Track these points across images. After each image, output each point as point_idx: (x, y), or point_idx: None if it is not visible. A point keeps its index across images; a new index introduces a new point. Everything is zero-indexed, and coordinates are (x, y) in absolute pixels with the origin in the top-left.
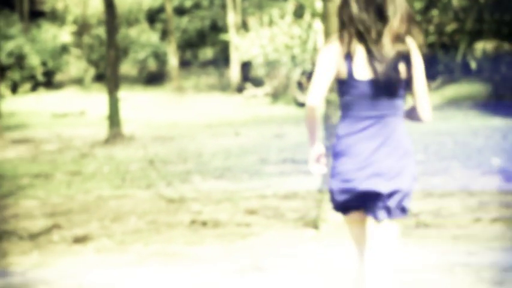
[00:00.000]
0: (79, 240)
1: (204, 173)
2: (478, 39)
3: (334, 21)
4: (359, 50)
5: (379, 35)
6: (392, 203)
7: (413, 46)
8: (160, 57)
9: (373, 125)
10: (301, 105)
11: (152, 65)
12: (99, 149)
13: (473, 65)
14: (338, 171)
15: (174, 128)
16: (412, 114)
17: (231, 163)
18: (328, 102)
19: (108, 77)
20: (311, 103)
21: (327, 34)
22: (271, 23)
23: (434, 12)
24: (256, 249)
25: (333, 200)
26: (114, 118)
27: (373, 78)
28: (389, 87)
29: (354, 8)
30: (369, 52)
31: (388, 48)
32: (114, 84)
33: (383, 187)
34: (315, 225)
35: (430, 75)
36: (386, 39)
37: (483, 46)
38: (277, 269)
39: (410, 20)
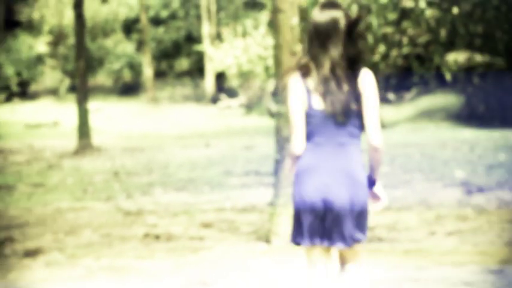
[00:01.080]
0: (30, 253)
1: (166, 185)
2: (451, 51)
3: (287, 34)
4: (315, 82)
5: (331, 69)
6: (346, 230)
7: (367, 75)
8: (135, 68)
9: (330, 152)
10: (274, 115)
11: (127, 75)
12: (67, 160)
13: (448, 76)
14: (300, 194)
15: (146, 139)
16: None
17: (195, 175)
18: (279, 115)
19: (77, 87)
20: (296, 152)
21: (279, 47)
22: (245, 33)
23: (407, 24)
24: (206, 263)
25: (296, 225)
26: (83, 129)
27: (327, 109)
28: (340, 117)
29: (309, 43)
30: (322, 85)
31: (339, 82)
32: (84, 95)
33: (332, 214)
34: (267, 239)
35: (405, 86)
36: (337, 73)
37: (455, 57)
38: (224, 284)
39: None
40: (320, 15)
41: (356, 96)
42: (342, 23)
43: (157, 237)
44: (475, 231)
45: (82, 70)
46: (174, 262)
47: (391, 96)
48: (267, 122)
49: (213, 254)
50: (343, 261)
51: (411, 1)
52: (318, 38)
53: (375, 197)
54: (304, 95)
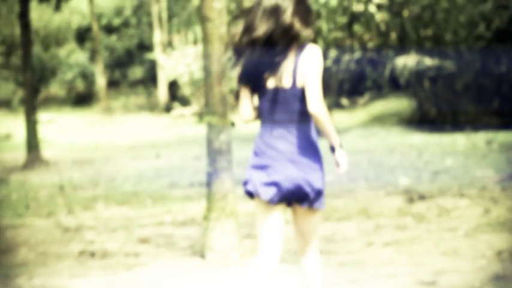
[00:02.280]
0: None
1: (109, 199)
2: (402, 55)
3: (215, 43)
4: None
5: (273, 45)
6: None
7: (311, 49)
8: (88, 78)
9: (277, 126)
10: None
11: (80, 85)
12: (15, 175)
13: (402, 80)
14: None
15: (97, 150)
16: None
17: (140, 187)
18: (210, 126)
19: (25, 99)
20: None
21: (208, 57)
22: (196, 41)
23: (358, 28)
24: (139, 281)
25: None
26: (32, 142)
27: (273, 84)
28: (285, 91)
29: (249, 21)
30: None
31: (282, 57)
32: (32, 107)
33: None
34: (201, 254)
35: (358, 91)
36: (281, 49)
37: (405, 61)
38: None
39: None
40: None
41: (301, 71)
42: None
43: (92, 254)
44: (412, 241)
45: (29, 81)
46: (108, 280)
47: (344, 101)
48: None
49: (147, 271)
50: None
51: (361, 5)
52: (263, 16)
53: (336, 162)
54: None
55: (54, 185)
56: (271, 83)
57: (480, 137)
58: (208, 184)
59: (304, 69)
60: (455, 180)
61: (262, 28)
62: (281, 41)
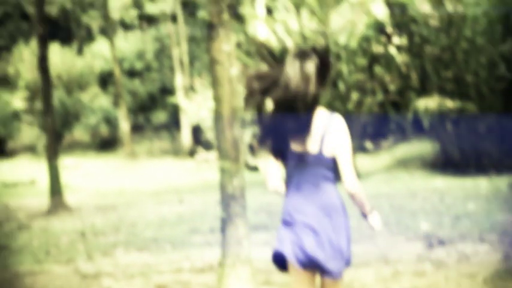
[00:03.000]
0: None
1: (129, 245)
2: (423, 96)
3: (225, 85)
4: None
5: (302, 114)
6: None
7: (337, 120)
8: (112, 122)
9: (309, 192)
10: (252, 169)
11: (104, 130)
12: (38, 221)
13: (425, 123)
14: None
15: (120, 196)
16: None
17: (161, 233)
18: (223, 171)
19: (47, 144)
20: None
21: (217, 100)
22: None
23: (378, 69)
24: None
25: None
26: (55, 187)
27: (301, 153)
28: (314, 160)
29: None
30: (295, 130)
31: (311, 127)
32: (54, 152)
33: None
34: None
35: (382, 134)
36: (310, 119)
37: (426, 103)
38: None
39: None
40: (291, 69)
41: (328, 140)
42: (313, 78)
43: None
44: None
45: (51, 126)
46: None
47: (368, 145)
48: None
49: None
50: None
51: (381, 46)
52: (289, 88)
53: (370, 226)
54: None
55: (75, 231)
56: (296, 147)
57: (503, 181)
58: (223, 230)
59: (334, 141)
60: (476, 225)
61: (285, 94)
62: (305, 108)
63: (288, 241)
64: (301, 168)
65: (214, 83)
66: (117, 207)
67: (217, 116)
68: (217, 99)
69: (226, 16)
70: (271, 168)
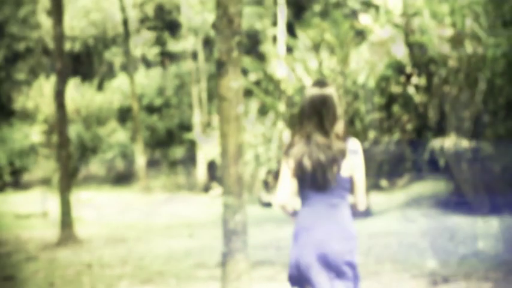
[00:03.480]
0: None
1: (134, 278)
2: (440, 136)
3: (232, 122)
4: (308, 151)
5: (322, 136)
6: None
7: (355, 147)
8: (128, 157)
9: (323, 212)
10: (266, 205)
11: (120, 164)
12: (47, 252)
13: (441, 162)
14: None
15: (132, 229)
16: (354, 207)
17: (167, 267)
18: (226, 207)
19: (60, 177)
20: (279, 201)
21: (224, 136)
22: None
23: (396, 109)
24: None
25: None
26: (66, 219)
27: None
28: (331, 183)
29: (301, 118)
30: (313, 153)
31: (329, 151)
32: (67, 184)
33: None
34: None
35: (397, 172)
36: (327, 144)
37: (441, 143)
38: None
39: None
40: (314, 91)
41: (345, 163)
42: (335, 98)
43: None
44: None
45: (64, 159)
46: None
47: (383, 183)
48: (255, 211)
49: None
50: None
51: (399, 86)
52: (311, 112)
53: None
54: (298, 160)
55: (82, 263)
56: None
57: None
58: (223, 264)
59: (352, 162)
60: (482, 263)
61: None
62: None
63: (307, 249)
64: (319, 188)
65: (221, 120)
66: (126, 241)
67: (223, 152)
68: (223, 135)
69: (235, 54)
70: (283, 183)
